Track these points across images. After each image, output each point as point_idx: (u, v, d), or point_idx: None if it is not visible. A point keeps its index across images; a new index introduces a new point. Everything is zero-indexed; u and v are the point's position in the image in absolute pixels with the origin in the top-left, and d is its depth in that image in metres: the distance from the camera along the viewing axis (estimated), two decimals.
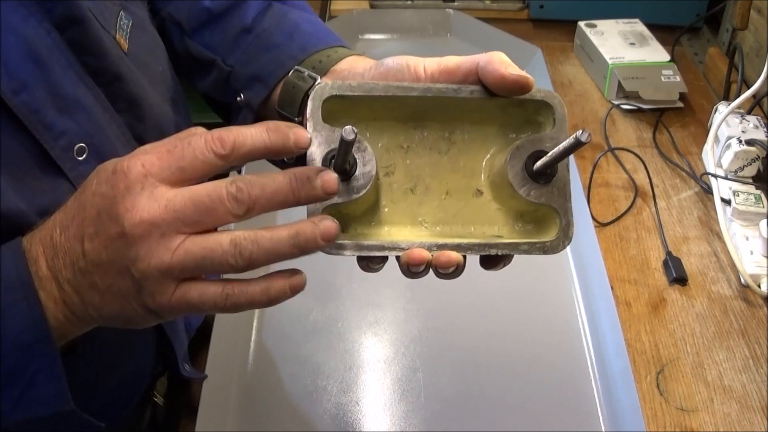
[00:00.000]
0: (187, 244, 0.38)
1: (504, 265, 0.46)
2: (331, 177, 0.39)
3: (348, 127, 0.37)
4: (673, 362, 0.76)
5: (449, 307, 0.80)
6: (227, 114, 0.60)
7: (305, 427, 0.70)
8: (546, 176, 0.44)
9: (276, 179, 0.39)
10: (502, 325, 0.79)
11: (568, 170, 0.45)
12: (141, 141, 0.52)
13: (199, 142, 0.38)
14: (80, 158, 0.47)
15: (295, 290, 0.40)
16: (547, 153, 0.43)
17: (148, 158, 0.38)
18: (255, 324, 0.78)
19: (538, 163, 0.43)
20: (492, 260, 0.45)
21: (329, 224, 0.40)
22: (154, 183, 0.38)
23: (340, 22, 1.25)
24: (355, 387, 0.73)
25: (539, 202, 0.44)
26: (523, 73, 0.44)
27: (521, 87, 0.44)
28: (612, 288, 0.78)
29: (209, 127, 0.41)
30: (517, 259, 0.46)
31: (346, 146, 0.39)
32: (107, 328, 0.54)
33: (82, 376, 0.55)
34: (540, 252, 0.44)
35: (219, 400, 0.70)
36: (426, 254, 0.43)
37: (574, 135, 0.39)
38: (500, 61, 0.44)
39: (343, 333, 0.78)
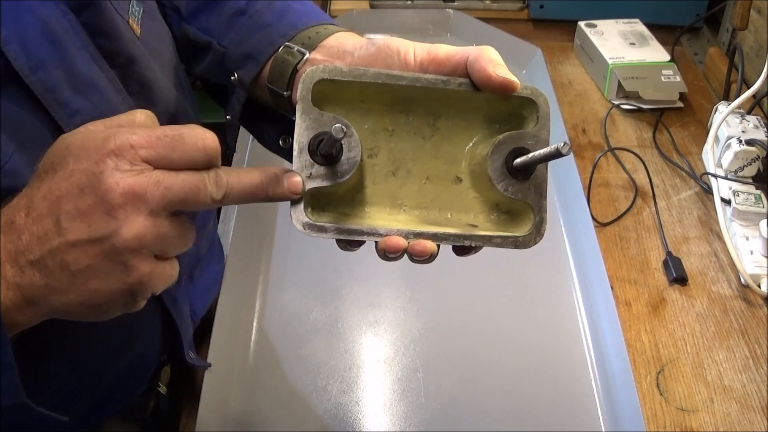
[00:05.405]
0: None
1: (475, 252, 0.47)
2: (297, 180, 0.42)
3: (337, 126, 0.39)
4: (673, 362, 0.76)
5: (449, 307, 0.80)
6: (223, 97, 0.61)
7: (305, 427, 0.70)
8: (525, 173, 0.45)
9: (251, 172, 0.41)
10: (502, 325, 0.79)
11: (547, 169, 0.46)
12: None
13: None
14: None
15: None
16: (528, 150, 0.44)
17: (136, 139, 0.39)
18: (255, 323, 0.78)
19: (518, 161, 0.44)
20: (464, 248, 0.46)
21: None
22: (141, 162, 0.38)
23: (340, 22, 1.23)
24: (355, 387, 0.73)
25: (515, 197, 0.45)
26: (510, 75, 0.44)
27: (506, 89, 0.45)
28: (612, 288, 0.78)
29: (209, 126, 0.41)
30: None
31: (333, 141, 0.41)
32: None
33: (87, 361, 0.55)
34: (512, 246, 0.45)
35: (220, 393, 0.70)
36: (403, 242, 0.44)
37: (555, 145, 0.40)
38: (488, 60, 0.44)
39: (343, 333, 0.78)
